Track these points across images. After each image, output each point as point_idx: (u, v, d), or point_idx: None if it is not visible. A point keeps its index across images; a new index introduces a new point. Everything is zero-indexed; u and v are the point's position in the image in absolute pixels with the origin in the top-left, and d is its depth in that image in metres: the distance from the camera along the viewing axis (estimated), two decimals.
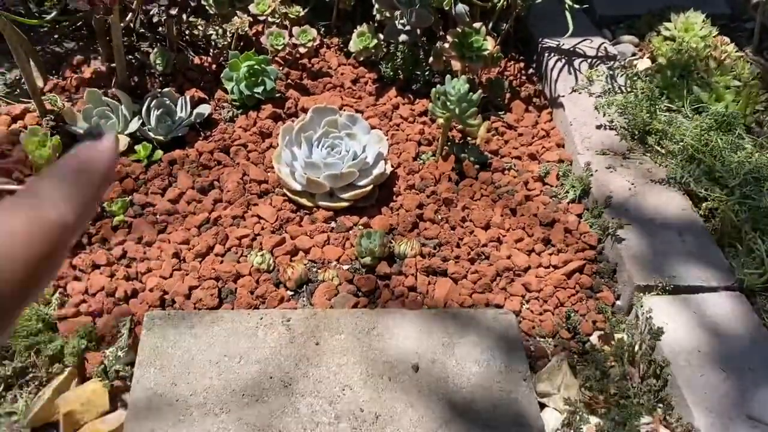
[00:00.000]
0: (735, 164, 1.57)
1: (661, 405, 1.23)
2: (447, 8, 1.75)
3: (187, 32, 1.99)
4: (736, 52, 2.03)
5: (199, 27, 1.97)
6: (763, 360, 1.26)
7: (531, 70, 2.07)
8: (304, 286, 1.39)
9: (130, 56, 1.94)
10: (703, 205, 1.54)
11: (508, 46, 2.08)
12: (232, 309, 1.33)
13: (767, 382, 1.22)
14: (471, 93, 1.60)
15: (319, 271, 1.42)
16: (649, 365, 1.26)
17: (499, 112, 1.89)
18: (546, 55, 2.01)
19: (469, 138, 1.80)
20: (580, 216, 1.58)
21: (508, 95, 1.93)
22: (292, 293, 1.38)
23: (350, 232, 1.52)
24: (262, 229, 1.49)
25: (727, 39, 2.10)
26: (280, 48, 1.85)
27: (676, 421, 1.20)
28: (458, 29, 1.80)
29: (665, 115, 1.75)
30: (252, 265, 1.40)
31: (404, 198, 1.61)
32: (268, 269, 1.41)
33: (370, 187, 1.56)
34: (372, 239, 1.43)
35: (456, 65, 1.81)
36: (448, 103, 1.61)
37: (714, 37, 2.08)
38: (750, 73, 1.91)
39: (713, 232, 1.50)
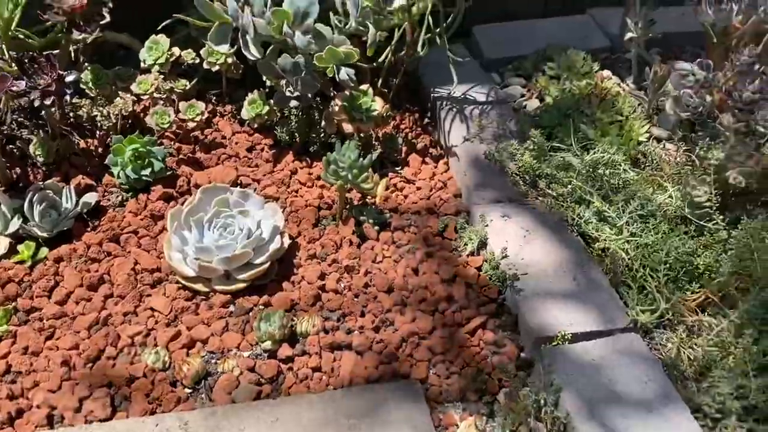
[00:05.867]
0: (621, 203, 1.62)
1: None
2: (331, 75, 1.75)
3: (71, 114, 1.92)
4: (618, 86, 2.11)
5: (83, 108, 1.91)
6: (661, 400, 1.28)
7: (426, 120, 2.09)
8: (203, 382, 1.34)
9: (10, 146, 1.86)
10: (596, 245, 1.59)
11: (401, 99, 2.10)
12: (127, 417, 1.27)
13: (670, 424, 1.25)
14: (362, 159, 1.60)
15: (218, 362, 1.38)
16: (554, 421, 1.27)
17: (397, 168, 1.90)
18: (438, 104, 2.04)
19: (368, 197, 1.80)
20: (479, 269, 1.60)
21: (404, 149, 1.95)
22: (190, 391, 1.33)
23: (250, 314, 1.48)
24: (156, 323, 1.44)
25: (608, 73, 2.19)
26: (166, 126, 1.81)
27: None
28: (346, 92, 1.80)
29: (555, 156, 1.79)
30: (146, 365, 1.34)
31: (305, 270, 1.58)
32: (163, 367, 1.35)
33: (267, 264, 1.53)
34: (271, 322, 1.40)
35: (347, 127, 1.81)
36: (340, 171, 1.61)
37: (596, 72, 2.16)
38: (630, 106, 1.99)
39: (607, 272, 1.54)
